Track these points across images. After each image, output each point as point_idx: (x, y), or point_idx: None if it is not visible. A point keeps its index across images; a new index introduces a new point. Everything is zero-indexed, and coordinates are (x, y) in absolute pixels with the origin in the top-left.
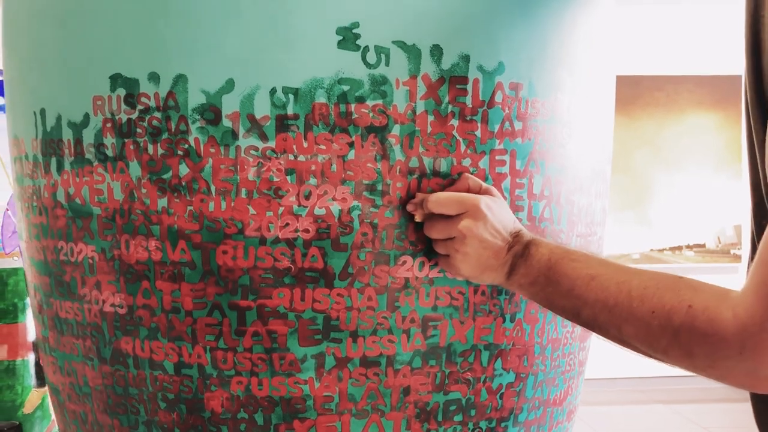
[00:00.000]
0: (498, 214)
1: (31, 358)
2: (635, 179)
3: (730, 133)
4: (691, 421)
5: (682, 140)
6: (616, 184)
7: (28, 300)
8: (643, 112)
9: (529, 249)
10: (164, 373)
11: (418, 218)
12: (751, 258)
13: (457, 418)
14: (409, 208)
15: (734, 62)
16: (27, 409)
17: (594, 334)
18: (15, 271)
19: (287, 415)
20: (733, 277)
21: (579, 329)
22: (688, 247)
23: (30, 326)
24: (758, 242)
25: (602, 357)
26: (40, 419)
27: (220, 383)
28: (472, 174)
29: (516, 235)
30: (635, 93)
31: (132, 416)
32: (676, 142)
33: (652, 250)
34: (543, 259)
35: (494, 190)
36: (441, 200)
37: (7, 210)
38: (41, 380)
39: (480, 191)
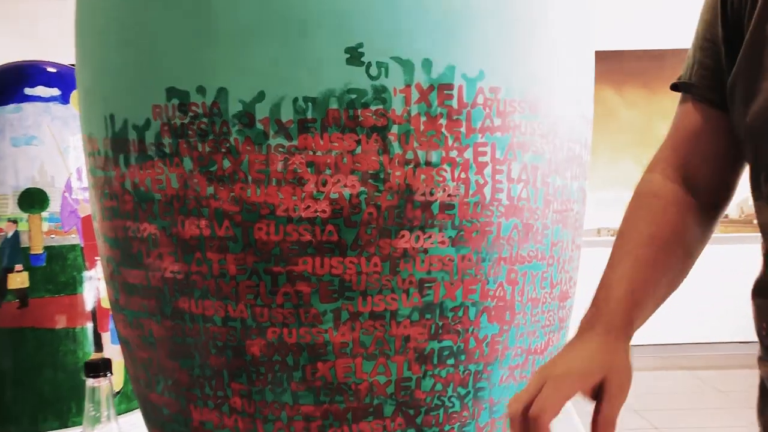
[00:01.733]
0: None
1: (89, 326)
2: None
3: None
4: (711, 386)
5: None
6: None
7: (85, 273)
8: (665, 87)
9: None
10: (214, 325)
11: None
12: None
13: (450, 362)
14: None
15: None
16: None
17: None
18: (73, 248)
19: (312, 358)
20: (755, 247)
21: (558, 291)
22: None
23: (88, 297)
24: None
25: None
26: None
27: (258, 333)
28: (458, 162)
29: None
30: (658, 67)
31: (189, 360)
32: None
33: None
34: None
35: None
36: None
37: (65, 193)
38: (99, 346)
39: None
